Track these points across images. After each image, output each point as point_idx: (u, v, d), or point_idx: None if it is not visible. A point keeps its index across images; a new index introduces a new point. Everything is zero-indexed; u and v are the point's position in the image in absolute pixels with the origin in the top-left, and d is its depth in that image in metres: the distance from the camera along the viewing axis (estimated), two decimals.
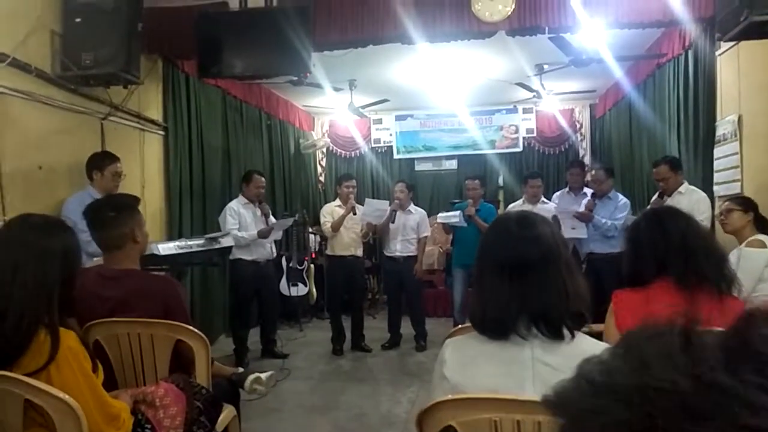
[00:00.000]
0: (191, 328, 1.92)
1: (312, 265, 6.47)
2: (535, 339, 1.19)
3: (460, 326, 1.87)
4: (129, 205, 2.04)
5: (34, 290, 1.45)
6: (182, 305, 1.97)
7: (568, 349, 1.19)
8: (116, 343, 1.90)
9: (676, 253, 1.65)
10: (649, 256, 1.70)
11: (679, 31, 4.46)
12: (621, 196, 4.72)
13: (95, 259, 2.93)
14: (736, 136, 3.81)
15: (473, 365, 1.24)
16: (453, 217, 5.21)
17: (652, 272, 1.69)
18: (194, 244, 3.43)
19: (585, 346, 1.21)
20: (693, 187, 3.91)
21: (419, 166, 8.54)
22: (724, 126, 3.97)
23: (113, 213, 1.98)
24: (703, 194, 3.83)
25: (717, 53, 4.04)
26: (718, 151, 4.04)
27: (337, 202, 5.26)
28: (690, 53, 4.42)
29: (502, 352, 1.20)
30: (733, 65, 3.89)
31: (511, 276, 1.21)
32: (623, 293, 1.74)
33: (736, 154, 3.80)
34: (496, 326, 1.21)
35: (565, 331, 1.19)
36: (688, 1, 3.66)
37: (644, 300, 1.68)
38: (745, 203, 3.09)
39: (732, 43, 3.65)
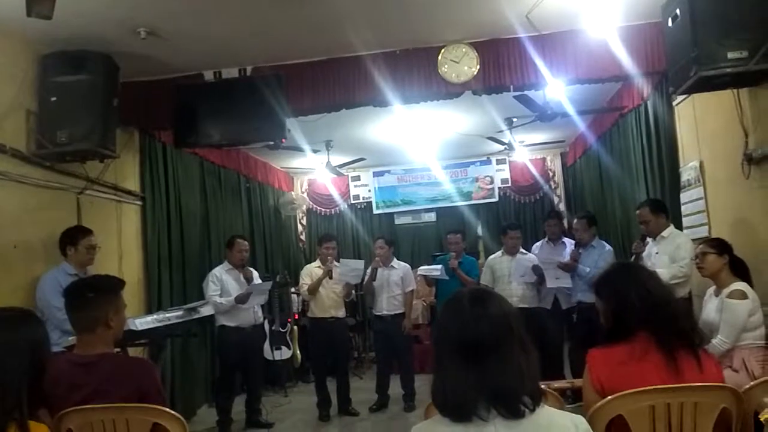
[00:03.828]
0: (167, 409, 1.87)
1: (295, 327, 6.37)
2: (496, 419, 1.20)
3: None
4: (110, 288, 2.01)
5: (2, 388, 1.42)
6: (157, 387, 1.93)
7: (530, 423, 1.20)
8: (90, 431, 1.84)
9: (659, 311, 1.69)
10: (634, 311, 1.72)
11: (637, 84, 4.68)
12: (605, 244, 4.79)
13: (71, 338, 2.88)
14: (699, 181, 3.95)
15: None
16: (434, 270, 5.23)
17: (633, 327, 1.72)
18: (172, 315, 3.39)
19: (546, 418, 1.23)
20: (678, 231, 3.87)
21: (399, 220, 8.63)
22: (687, 172, 4.12)
23: (91, 294, 1.95)
24: (686, 239, 3.76)
25: (674, 103, 4.24)
26: (684, 196, 4.16)
27: (318, 262, 5.24)
28: (649, 104, 4.63)
29: None
30: (689, 114, 4.08)
31: (467, 358, 1.23)
32: (598, 351, 1.75)
33: (701, 198, 3.92)
34: (456, 410, 1.22)
35: (523, 408, 1.21)
36: (642, 58, 3.87)
37: (626, 355, 1.69)
38: (719, 246, 3.10)
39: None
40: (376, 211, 8.55)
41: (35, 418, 1.51)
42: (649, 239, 3.91)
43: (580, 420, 1.26)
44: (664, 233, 3.79)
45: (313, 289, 5.03)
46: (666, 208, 3.95)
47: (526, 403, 1.21)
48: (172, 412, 1.88)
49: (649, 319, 1.70)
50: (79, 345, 1.97)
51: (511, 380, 1.21)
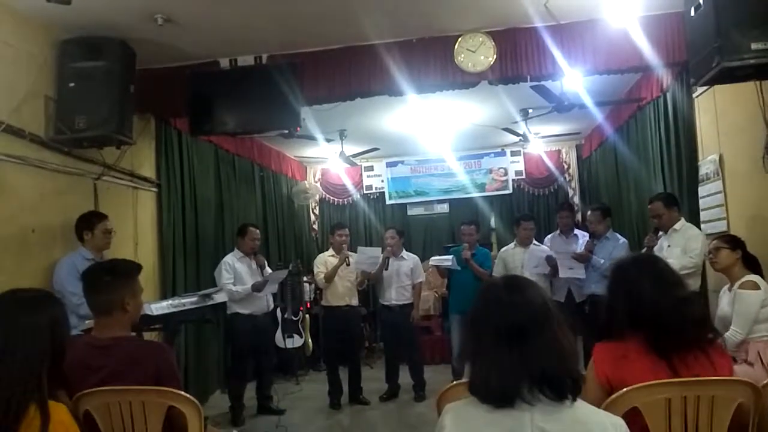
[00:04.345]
0: (183, 393, 1.89)
1: (307, 316, 6.41)
2: (537, 403, 1.19)
3: (455, 382, 1.85)
4: (127, 272, 2.03)
5: (23, 369, 1.43)
6: (173, 370, 1.95)
7: (567, 415, 1.20)
8: (107, 412, 1.87)
9: (670, 313, 1.65)
10: (642, 308, 1.68)
11: (656, 76, 4.60)
12: (619, 236, 4.76)
13: (87, 321, 2.91)
14: (718, 174, 3.89)
15: None
16: (446, 260, 5.21)
17: (623, 326, 1.69)
18: (187, 301, 3.41)
19: (584, 414, 1.23)
20: (689, 225, 3.84)
21: (411, 211, 8.61)
22: (706, 165, 4.05)
23: (108, 278, 1.97)
24: (698, 231, 3.76)
25: (694, 95, 4.17)
26: (702, 190, 4.10)
27: (331, 251, 5.26)
28: (668, 96, 4.55)
29: (503, 420, 1.20)
30: (710, 106, 4.01)
31: (509, 342, 1.23)
32: (603, 346, 1.74)
33: (720, 192, 3.86)
34: (501, 395, 1.21)
35: (567, 392, 1.21)
36: (662, 48, 3.80)
37: (623, 352, 1.68)
38: (732, 241, 3.12)
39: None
40: (388, 202, 8.54)
41: (54, 398, 1.53)
42: (661, 232, 3.90)
43: (620, 423, 1.25)
44: (676, 226, 3.80)
45: (330, 277, 5.05)
46: (678, 202, 3.94)
47: (569, 385, 1.21)
48: (188, 395, 1.90)
49: (656, 321, 1.65)
50: (96, 328, 2.00)
51: (555, 361, 1.21)
